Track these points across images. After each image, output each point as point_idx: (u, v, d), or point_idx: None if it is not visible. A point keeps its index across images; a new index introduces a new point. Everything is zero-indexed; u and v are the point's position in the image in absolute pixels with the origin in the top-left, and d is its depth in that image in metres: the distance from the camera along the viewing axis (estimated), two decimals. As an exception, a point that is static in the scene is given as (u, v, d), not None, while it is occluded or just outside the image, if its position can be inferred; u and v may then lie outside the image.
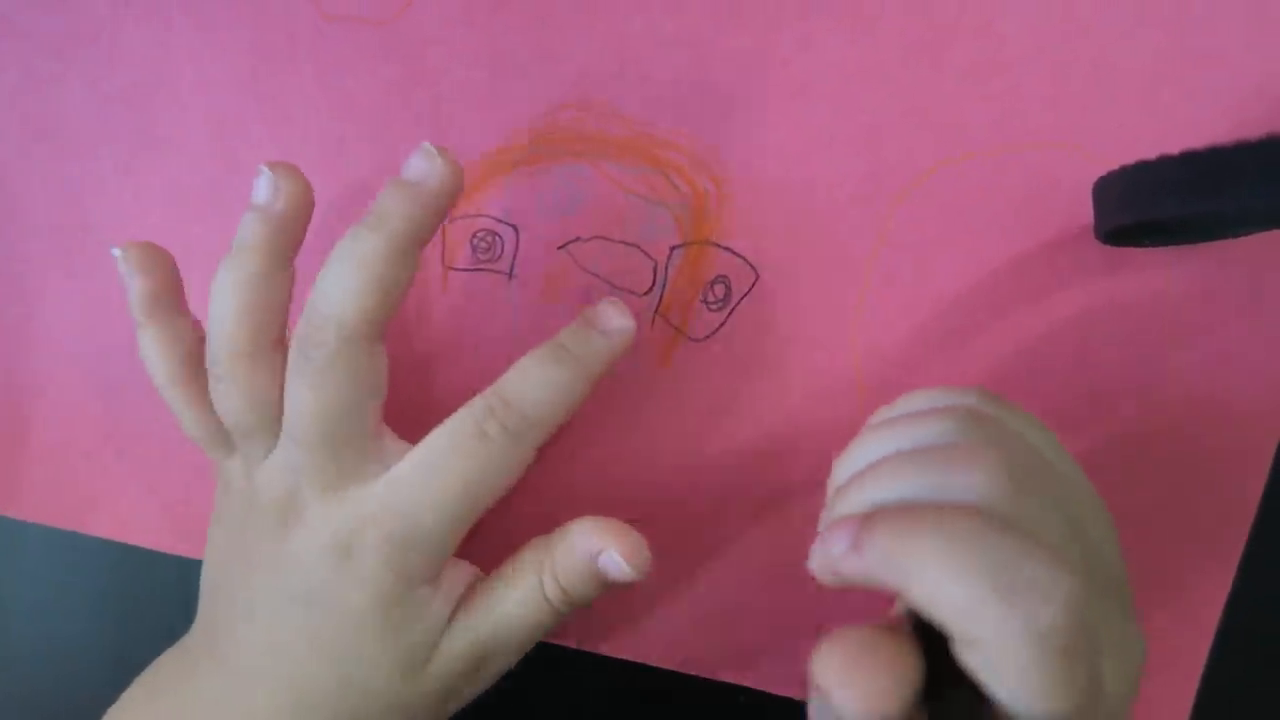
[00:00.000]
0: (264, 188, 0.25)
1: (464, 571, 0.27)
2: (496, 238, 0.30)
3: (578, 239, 0.29)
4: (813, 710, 0.20)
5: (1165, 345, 0.27)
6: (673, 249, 0.29)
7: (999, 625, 0.17)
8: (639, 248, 0.29)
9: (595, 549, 0.25)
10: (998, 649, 0.18)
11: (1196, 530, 0.28)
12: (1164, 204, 0.23)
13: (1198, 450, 0.28)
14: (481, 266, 0.30)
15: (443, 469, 0.25)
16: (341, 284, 0.24)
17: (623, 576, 0.25)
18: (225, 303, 0.25)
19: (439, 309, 0.30)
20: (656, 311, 0.29)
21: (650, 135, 0.29)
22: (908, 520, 0.19)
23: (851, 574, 0.20)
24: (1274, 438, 0.28)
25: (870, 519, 0.20)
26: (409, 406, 0.30)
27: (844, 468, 0.23)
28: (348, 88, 0.30)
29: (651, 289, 0.29)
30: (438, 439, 0.25)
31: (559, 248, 0.30)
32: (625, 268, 0.29)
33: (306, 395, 0.24)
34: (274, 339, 0.25)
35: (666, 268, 0.29)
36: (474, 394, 0.25)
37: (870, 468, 0.21)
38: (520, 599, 0.26)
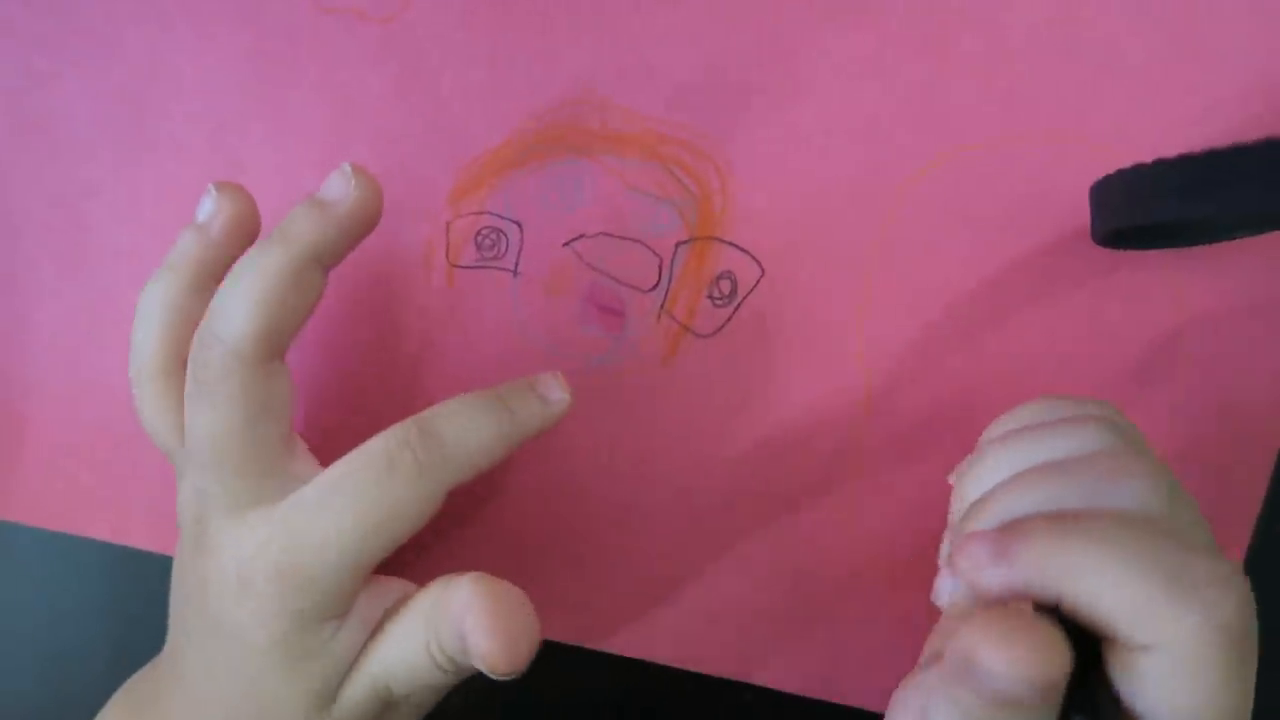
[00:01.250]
0: (205, 207, 0.25)
1: (381, 597, 0.25)
2: (501, 235, 0.30)
3: (582, 235, 0.29)
4: (932, 692, 0.19)
5: (1170, 343, 0.28)
6: (678, 245, 0.29)
7: (1176, 622, 0.17)
8: (644, 244, 0.29)
9: (466, 631, 0.22)
10: (1175, 647, 0.17)
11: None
12: (1160, 207, 0.23)
13: (1197, 451, 0.28)
14: (486, 264, 0.30)
15: (340, 497, 0.23)
16: (234, 302, 0.23)
17: (489, 674, 0.22)
18: (145, 320, 0.25)
19: (444, 306, 0.30)
20: (662, 307, 0.29)
21: (655, 131, 0.29)
22: (1066, 524, 0.18)
23: (996, 586, 0.19)
24: (1276, 440, 0.28)
25: (1020, 525, 0.19)
26: (412, 406, 0.30)
27: (971, 485, 0.22)
28: (348, 85, 0.30)
29: (657, 285, 0.29)
30: (343, 464, 0.23)
31: (564, 244, 0.30)
32: (630, 264, 0.29)
33: (199, 416, 0.23)
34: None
35: (672, 264, 0.29)
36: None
37: (1011, 480, 0.21)
38: (410, 658, 0.24)
